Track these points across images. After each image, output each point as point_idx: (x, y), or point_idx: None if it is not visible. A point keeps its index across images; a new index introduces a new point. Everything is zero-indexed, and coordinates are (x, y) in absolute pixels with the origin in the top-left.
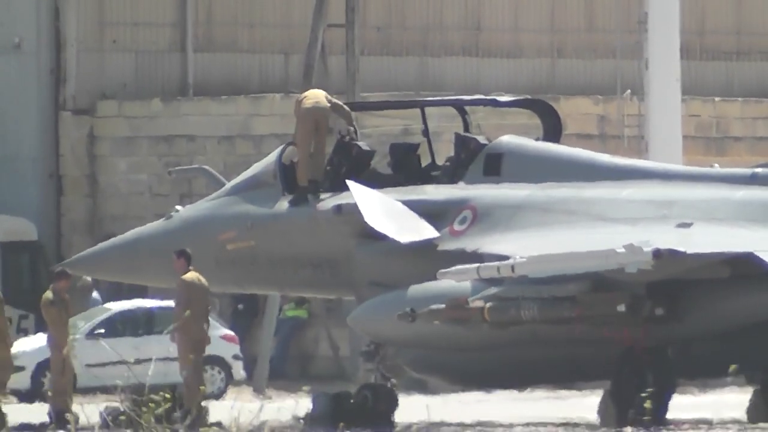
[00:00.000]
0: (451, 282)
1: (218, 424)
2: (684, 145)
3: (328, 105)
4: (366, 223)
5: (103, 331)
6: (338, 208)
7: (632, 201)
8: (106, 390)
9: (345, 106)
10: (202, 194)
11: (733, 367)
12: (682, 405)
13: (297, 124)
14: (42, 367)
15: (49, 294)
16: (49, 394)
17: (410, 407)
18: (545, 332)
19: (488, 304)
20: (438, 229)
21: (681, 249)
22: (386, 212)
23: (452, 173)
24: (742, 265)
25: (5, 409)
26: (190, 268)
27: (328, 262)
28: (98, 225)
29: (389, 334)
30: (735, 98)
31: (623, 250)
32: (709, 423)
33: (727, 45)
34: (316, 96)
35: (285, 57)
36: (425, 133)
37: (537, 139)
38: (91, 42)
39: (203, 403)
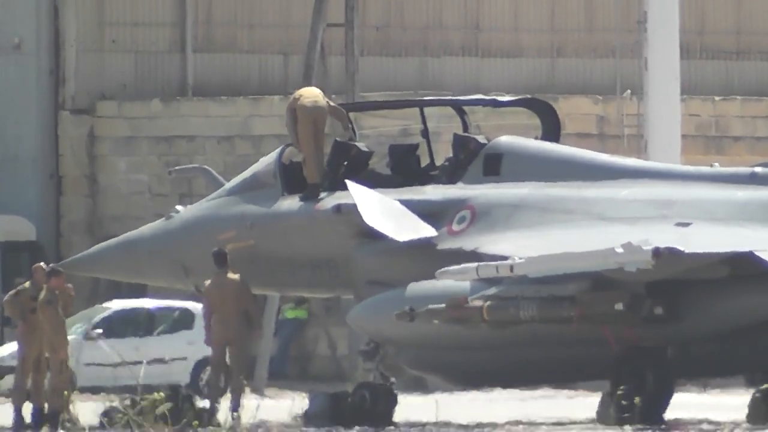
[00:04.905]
0: (451, 281)
1: (216, 424)
2: (683, 144)
3: (326, 104)
4: (365, 222)
5: (101, 330)
6: (337, 208)
7: (631, 200)
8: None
9: (340, 108)
10: (202, 194)
11: None
12: (683, 405)
13: (297, 124)
14: None
15: (44, 294)
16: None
17: (410, 407)
18: (544, 332)
19: (487, 304)
20: (437, 229)
21: (680, 248)
22: (385, 212)
23: (451, 173)
24: (741, 264)
25: (2, 409)
26: (220, 269)
27: (327, 261)
28: (98, 225)
29: (388, 333)
30: (734, 97)
31: (622, 249)
32: (710, 423)
33: (726, 44)
34: (314, 95)
35: (284, 57)
36: (424, 133)
37: (536, 139)
38: (90, 42)
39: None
